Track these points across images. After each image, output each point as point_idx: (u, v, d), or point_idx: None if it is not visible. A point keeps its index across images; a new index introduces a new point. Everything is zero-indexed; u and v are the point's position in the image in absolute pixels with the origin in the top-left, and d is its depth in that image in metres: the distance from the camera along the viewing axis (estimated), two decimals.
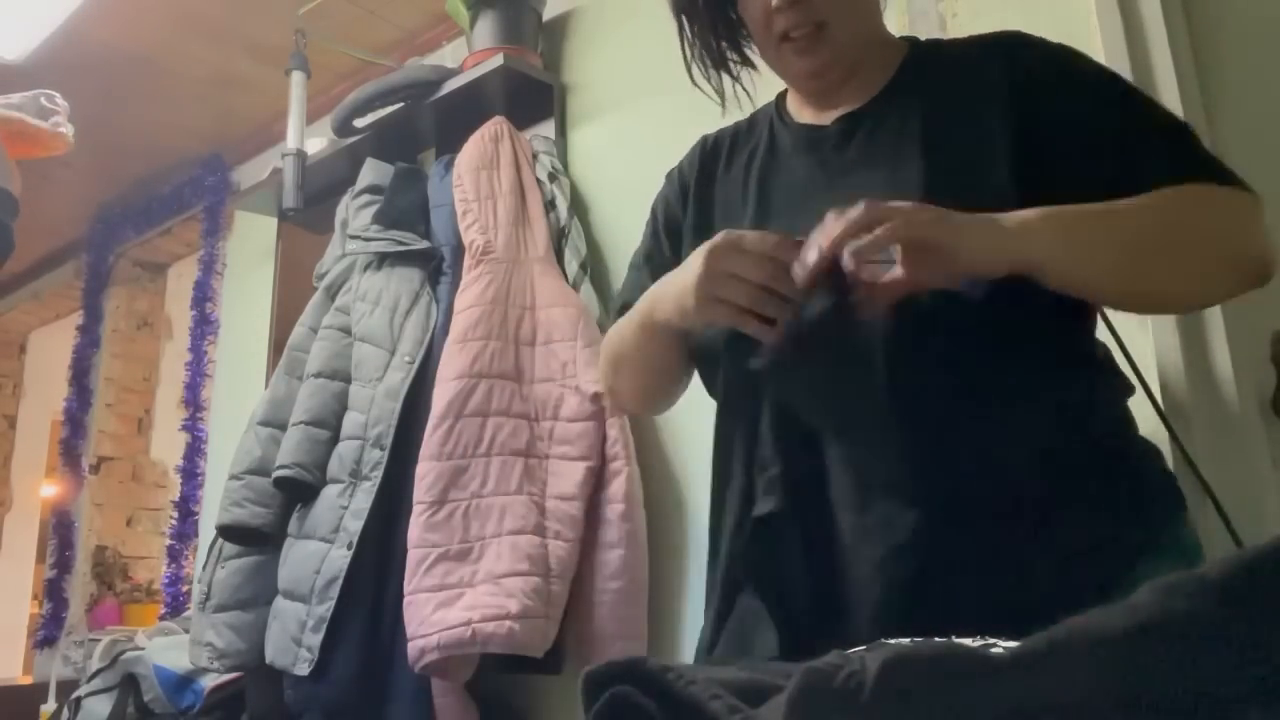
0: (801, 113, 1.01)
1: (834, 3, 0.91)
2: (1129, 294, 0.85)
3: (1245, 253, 0.82)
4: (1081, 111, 0.86)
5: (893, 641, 0.40)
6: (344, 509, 1.73)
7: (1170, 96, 1.25)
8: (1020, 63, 0.89)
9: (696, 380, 1.05)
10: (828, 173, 0.93)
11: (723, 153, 1.05)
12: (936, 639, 0.41)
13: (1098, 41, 1.31)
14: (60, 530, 3.36)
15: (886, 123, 0.92)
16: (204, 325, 3.00)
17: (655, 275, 0.97)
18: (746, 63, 1.06)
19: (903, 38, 1.01)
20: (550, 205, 1.89)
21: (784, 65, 0.97)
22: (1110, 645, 0.37)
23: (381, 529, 1.70)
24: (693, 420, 1.37)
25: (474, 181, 1.86)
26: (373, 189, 2.11)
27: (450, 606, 1.53)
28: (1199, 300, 0.94)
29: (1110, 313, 1.11)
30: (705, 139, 1.09)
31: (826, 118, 0.97)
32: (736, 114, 1.08)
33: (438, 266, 1.92)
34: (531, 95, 2.06)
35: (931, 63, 0.96)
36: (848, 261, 0.71)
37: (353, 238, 2.03)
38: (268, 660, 1.74)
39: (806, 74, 0.95)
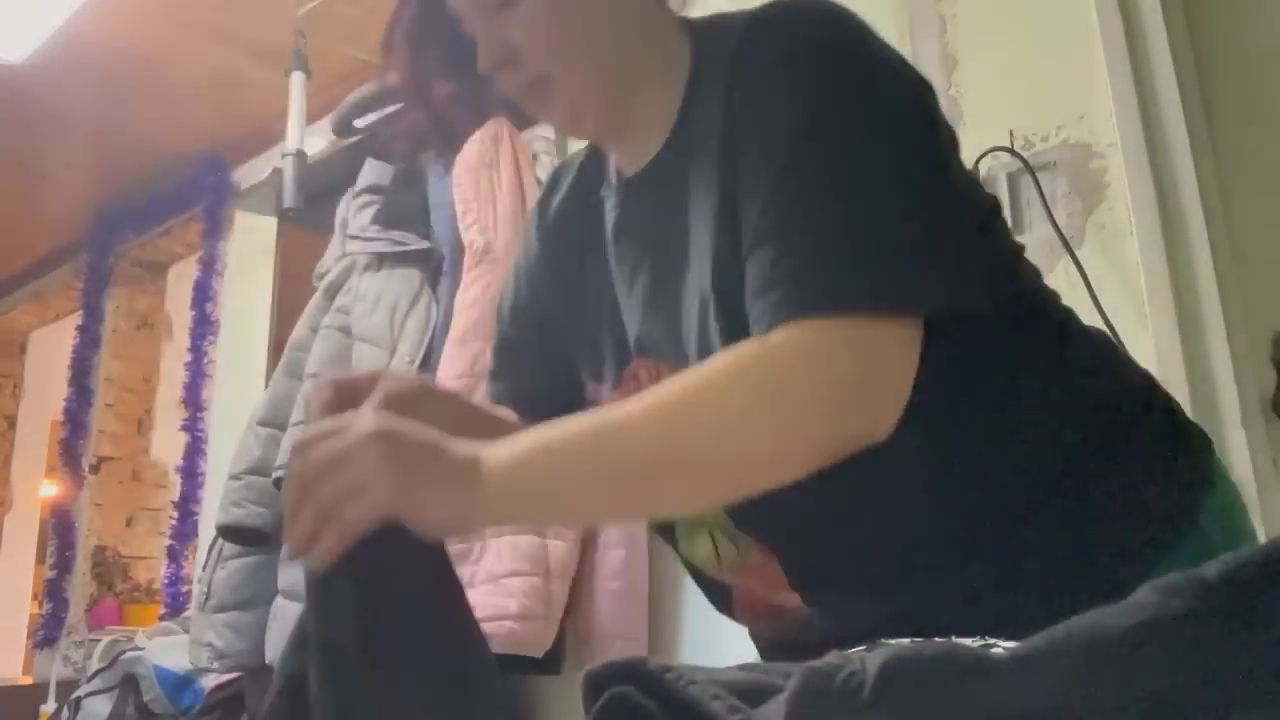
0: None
1: (552, 55, 0.73)
2: (645, 515, 0.71)
3: (797, 446, 0.61)
4: (751, 186, 0.66)
5: (893, 641, 0.40)
6: None
7: (1170, 96, 1.25)
8: (734, 94, 0.69)
9: None
10: (622, 247, 0.78)
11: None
12: (936, 639, 0.41)
13: (1098, 41, 1.31)
14: (60, 530, 3.36)
15: (656, 206, 0.75)
16: (204, 325, 3.00)
17: None
18: None
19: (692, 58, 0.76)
20: None
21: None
22: (1110, 645, 0.37)
23: None
24: None
25: (474, 181, 1.86)
26: (373, 189, 2.11)
27: None
28: (741, 492, 0.64)
29: (1110, 313, 1.11)
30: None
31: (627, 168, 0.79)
32: None
33: (438, 266, 1.92)
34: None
35: (701, 107, 0.73)
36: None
37: (353, 238, 2.03)
38: (268, 660, 1.74)
39: (556, 129, 0.85)
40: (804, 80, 0.65)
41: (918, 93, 0.69)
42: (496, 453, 0.61)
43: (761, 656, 0.82)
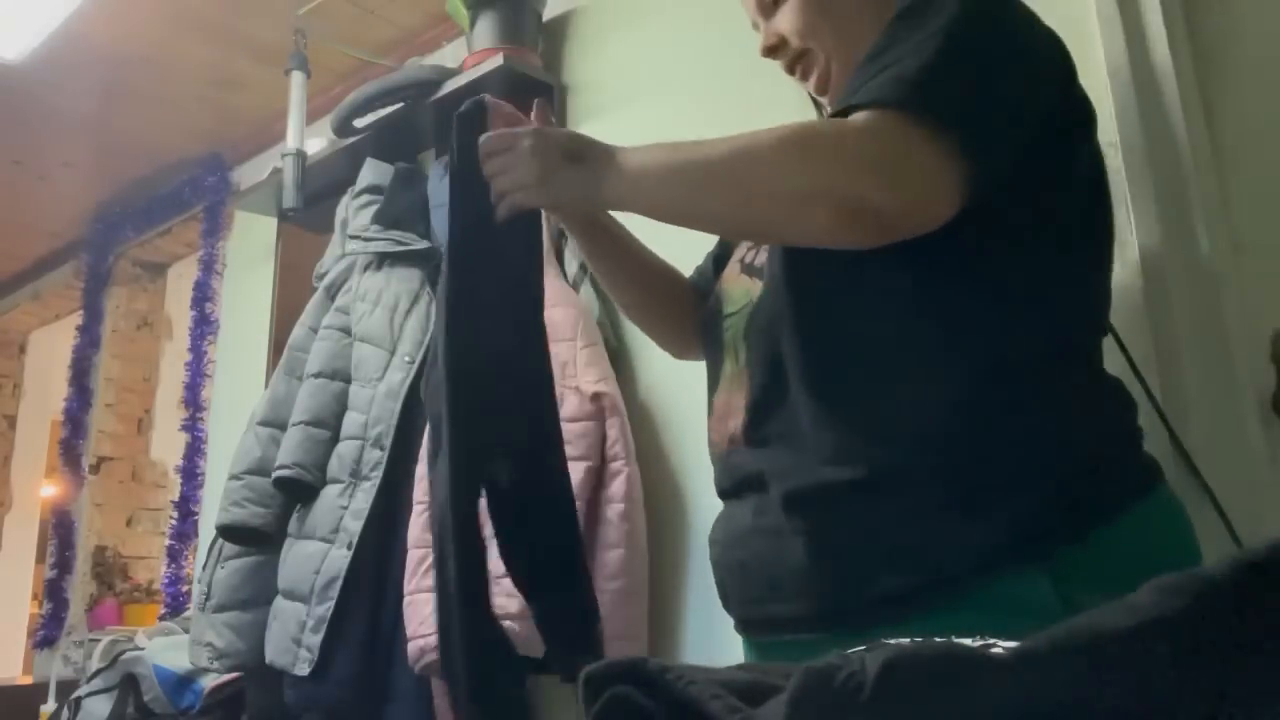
0: None
1: (808, 37, 0.97)
2: (695, 222, 0.88)
3: (822, 189, 0.76)
4: (879, 42, 0.86)
5: (892, 641, 0.40)
6: (344, 509, 1.73)
7: (1170, 96, 1.25)
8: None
9: (692, 379, 1.06)
10: None
11: None
12: (937, 639, 0.41)
13: (1098, 41, 1.31)
14: (60, 530, 3.36)
15: None
16: (204, 325, 3.00)
17: None
18: None
19: None
20: None
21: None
22: (1111, 645, 0.37)
23: (381, 529, 1.70)
24: (693, 420, 1.37)
25: None
26: (373, 189, 2.11)
27: None
28: (781, 233, 0.84)
29: (1110, 313, 1.11)
30: None
31: None
32: (756, 114, 1.08)
33: (437, 266, 1.91)
34: (531, 95, 2.05)
35: None
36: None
37: (353, 238, 2.03)
38: (268, 660, 1.74)
39: (810, 91, 1.01)
40: (947, 6, 0.83)
41: (1042, 39, 0.87)
42: (625, 148, 0.86)
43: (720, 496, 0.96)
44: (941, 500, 0.77)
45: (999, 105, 0.80)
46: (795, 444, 0.84)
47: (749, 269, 0.97)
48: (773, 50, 0.99)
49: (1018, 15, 0.86)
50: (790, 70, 1.01)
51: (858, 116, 0.78)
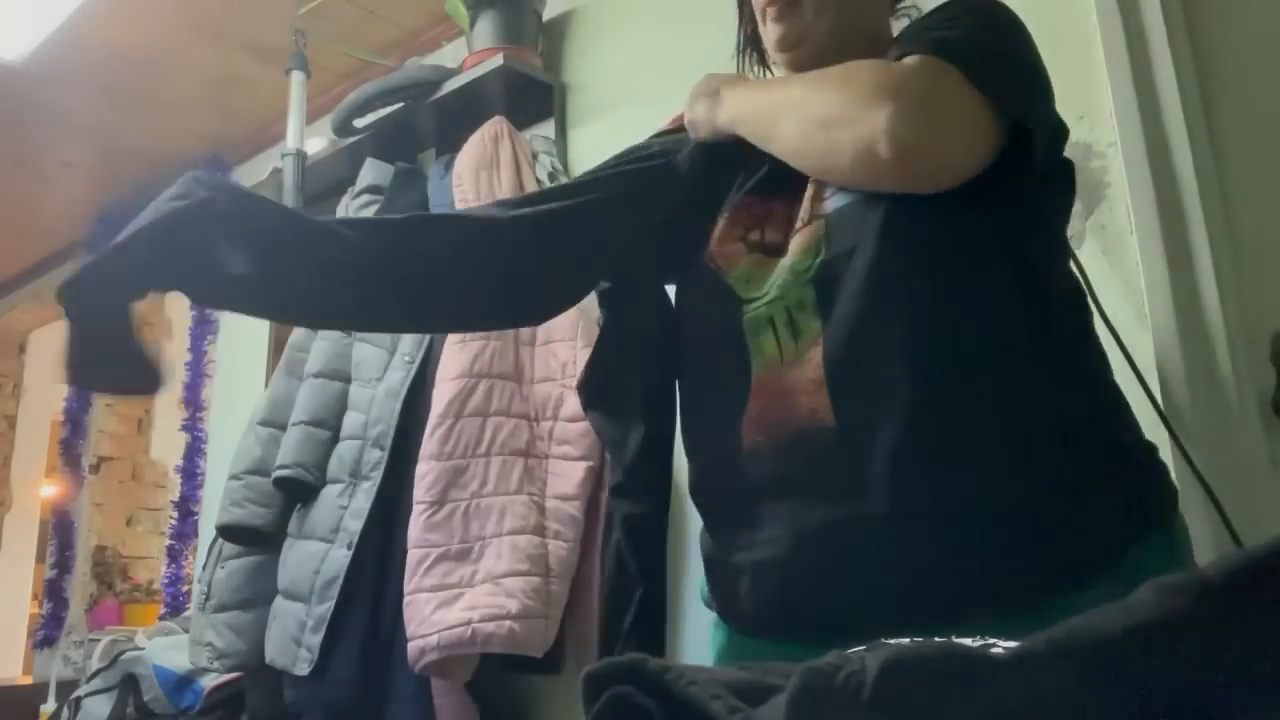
0: None
1: None
2: (776, 147, 0.90)
3: (870, 114, 0.79)
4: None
5: (892, 641, 0.40)
6: (344, 509, 1.73)
7: (1170, 96, 1.25)
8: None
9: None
10: None
11: None
12: (937, 639, 0.41)
13: (1098, 41, 1.31)
14: (60, 530, 3.36)
15: None
16: (204, 325, 3.00)
17: None
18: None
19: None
20: None
21: (766, 39, 1.02)
22: (1110, 645, 0.37)
23: (381, 529, 1.70)
24: None
25: (474, 181, 1.86)
26: (373, 189, 2.11)
27: (450, 606, 1.53)
28: (834, 160, 0.84)
29: (1110, 313, 1.11)
30: None
31: None
32: None
33: None
34: (531, 95, 2.06)
35: None
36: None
37: None
38: (268, 660, 1.74)
39: (774, 42, 0.99)
40: (969, 5, 0.89)
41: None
42: (746, 81, 0.98)
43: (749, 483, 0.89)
44: (1078, 479, 0.79)
45: (1035, 81, 0.87)
46: (894, 420, 0.79)
47: (764, 248, 0.91)
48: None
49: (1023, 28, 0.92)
50: (774, 8, 0.98)
51: (907, 59, 0.82)
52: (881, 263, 0.81)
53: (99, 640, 2.54)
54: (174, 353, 3.31)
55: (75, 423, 3.40)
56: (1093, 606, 0.38)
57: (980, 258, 0.83)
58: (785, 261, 0.88)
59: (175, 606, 2.82)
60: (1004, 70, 0.83)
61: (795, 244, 0.88)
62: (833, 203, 0.87)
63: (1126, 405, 0.88)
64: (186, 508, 2.89)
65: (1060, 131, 0.90)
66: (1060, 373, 0.82)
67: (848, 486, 0.79)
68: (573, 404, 1.68)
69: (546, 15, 2.15)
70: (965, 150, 0.80)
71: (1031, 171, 0.82)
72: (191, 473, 2.91)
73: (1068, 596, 0.66)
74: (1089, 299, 0.95)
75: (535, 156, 1.96)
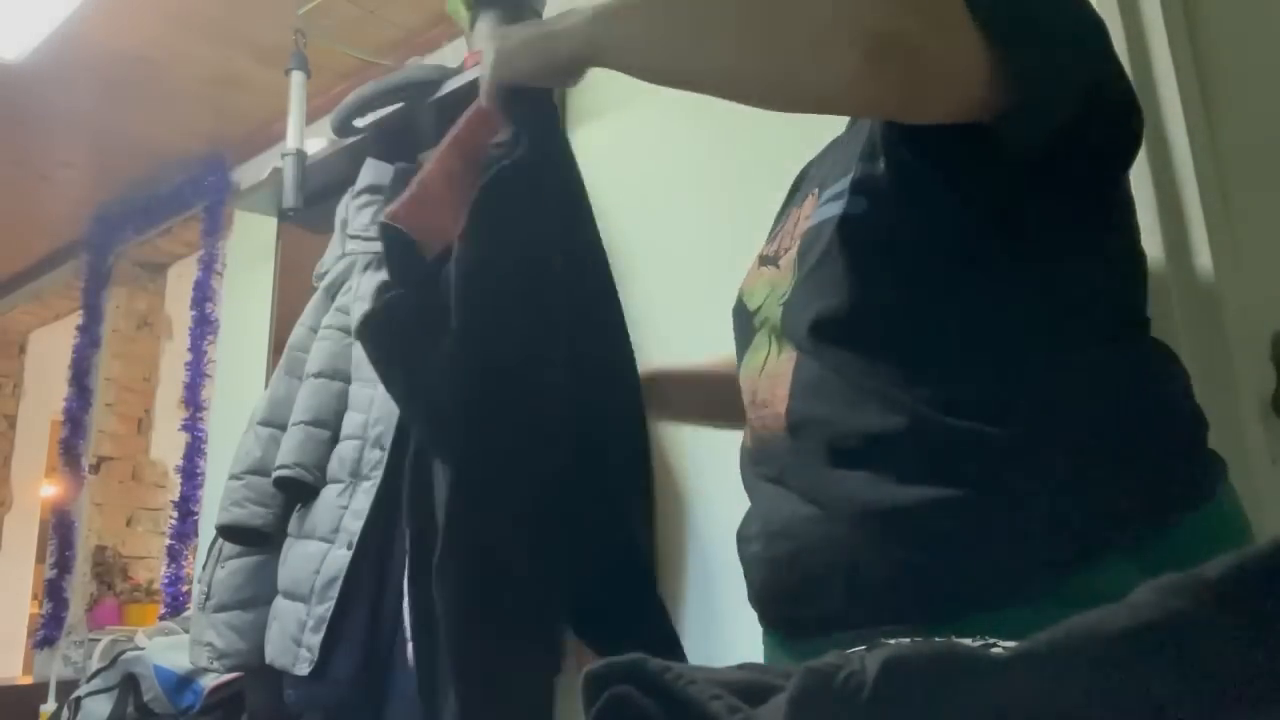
0: None
1: None
2: (687, 75, 0.74)
3: (852, 17, 0.61)
4: None
5: (893, 641, 0.40)
6: (344, 509, 1.73)
7: (1170, 96, 1.25)
8: None
9: None
10: None
11: None
12: (937, 639, 0.41)
13: None
14: (60, 530, 3.36)
15: None
16: (204, 325, 3.00)
17: None
18: None
19: None
20: None
21: None
22: (1111, 645, 0.37)
23: (381, 529, 1.70)
24: None
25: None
26: (373, 189, 2.11)
27: None
28: (794, 80, 0.67)
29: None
30: None
31: None
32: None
33: None
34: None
35: None
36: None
37: (353, 238, 2.03)
38: (268, 660, 1.74)
39: None
40: None
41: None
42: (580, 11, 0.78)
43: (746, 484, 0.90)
44: (1070, 473, 0.70)
45: (1060, 19, 0.70)
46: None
47: (766, 260, 0.93)
48: None
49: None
50: None
51: None
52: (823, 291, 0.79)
53: (99, 640, 2.54)
54: (174, 353, 3.32)
55: (75, 422, 3.41)
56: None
57: (946, 274, 0.73)
58: (774, 276, 0.91)
59: (175, 606, 2.82)
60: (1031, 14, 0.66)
61: (783, 263, 0.89)
62: (815, 218, 0.84)
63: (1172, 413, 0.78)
64: (186, 508, 2.89)
65: (1103, 91, 0.70)
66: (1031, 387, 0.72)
67: (802, 488, 0.80)
68: None
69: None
70: (972, 69, 0.62)
71: (1034, 140, 0.66)
72: (191, 473, 2.91)
73: (996, 611, 0.65)
74: (1139, 289, 0.83)
75: None
